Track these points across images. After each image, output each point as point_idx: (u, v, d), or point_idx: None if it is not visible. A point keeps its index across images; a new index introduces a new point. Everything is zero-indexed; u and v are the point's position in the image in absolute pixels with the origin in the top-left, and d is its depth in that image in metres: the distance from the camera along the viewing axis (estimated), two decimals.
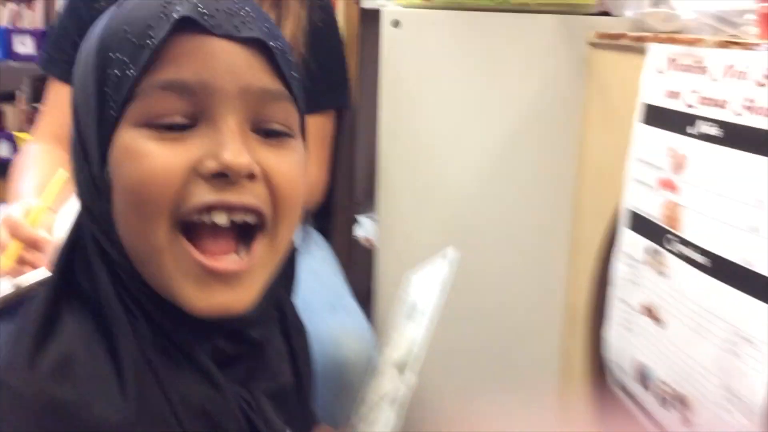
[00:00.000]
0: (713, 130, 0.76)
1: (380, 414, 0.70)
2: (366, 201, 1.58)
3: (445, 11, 1.08)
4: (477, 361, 1.21)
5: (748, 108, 0.71)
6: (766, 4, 0.69)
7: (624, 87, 0.97)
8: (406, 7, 1.15)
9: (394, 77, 1.16)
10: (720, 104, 0.75)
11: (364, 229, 1.60)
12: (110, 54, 0.52)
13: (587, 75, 1.07)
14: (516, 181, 1.17)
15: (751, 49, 0.70)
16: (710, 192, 0.76)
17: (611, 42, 0.99)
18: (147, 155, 0.51)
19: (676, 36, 0.85)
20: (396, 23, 1.14)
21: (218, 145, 0.51)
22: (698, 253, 0.78)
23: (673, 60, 0.84)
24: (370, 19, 1.28)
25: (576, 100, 1.10)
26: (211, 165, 0.51)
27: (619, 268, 0.95)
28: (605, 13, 1.11)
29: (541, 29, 1.10)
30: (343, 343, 0.95)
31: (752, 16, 0.75)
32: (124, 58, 0.51)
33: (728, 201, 0.73)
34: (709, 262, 0.76)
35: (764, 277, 0.68)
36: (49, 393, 0.48)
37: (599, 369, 1.11)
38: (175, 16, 0.51)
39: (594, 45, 1.05)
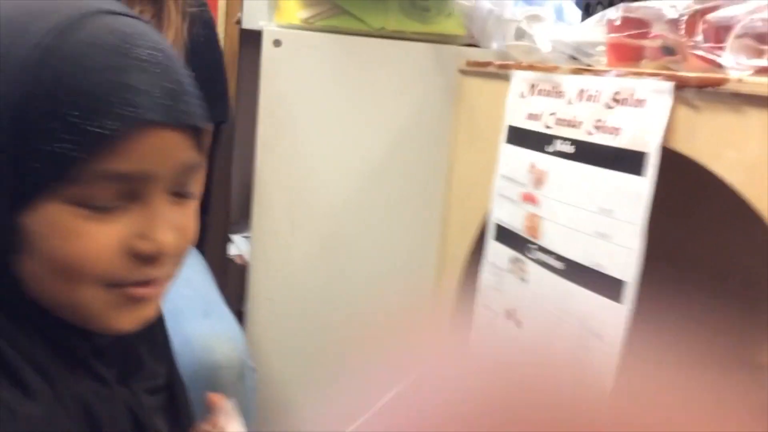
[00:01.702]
0: (568, 148, 0.84)
1: None
2: (241, 220, 1.58)
3: (325, 34, 1.13)
4: (341, 366, 1.24)
5: (598, 127, 0.80)
6: (613, 35, 0.78)
7: (490, 110, 1.05)
8: (286, 27, 1.19)
9: (273, 96, 1.19)
10: (574, 124, 0.83)
11: (238, 247, 1.60)
12: (36, 126, 0.47)
13: (457, 99, 1.15)
14: (388, 199, 1.22)
15: (601, 75, 0.80)
16: (564, 203, 0.85)
17: (479, 69, 1.08)
18: (79, 236, 0.49)
19: (537, 64, 0.94)
20: (277, 43, 1.17)
21: (150, 226, 0.52)
22: (554, 258, 0.86)
23: (534, 86, 0.92)
24: (251, 39, 1.31)
25: (445, 122, 1.17)
26: (145, 247, 0.52)
27: (485, 277, 1.02)
28: (474, 45, 1.20)
29: (415, 56, 1.18)
30: (216, 348, 0.97)
31: (602, 48, 0.85)
32: (64, 136, 0.47)
33: (579, 211, 0.82)
34: (564, 266, 0.84)
35: (611, 277, 0.77)
36: None
37: None
38: (144, 117, 0.48)
39: (463, 72, 1.13)
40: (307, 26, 1.11)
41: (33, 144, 0.47)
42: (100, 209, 0.50)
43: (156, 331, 0.67)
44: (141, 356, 0.63)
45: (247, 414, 0.84)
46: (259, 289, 1.22)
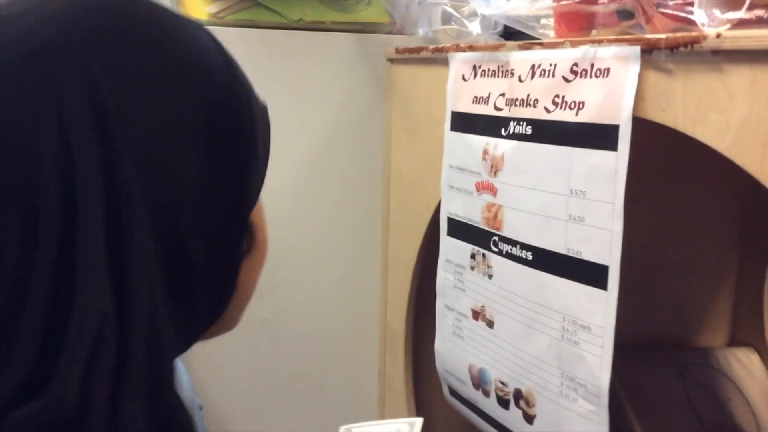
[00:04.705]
0: (525, 129, 0.78)
1: None
2: None
3: (238, 29, 1.03)
4: (290, 391, 1.15)
5: (557, 104, 0.74)
6: (562, 3, 0.72)
7: (426, 99, 0.98)
8: None
9: None
10: (529, 103, 0.77)
11: None
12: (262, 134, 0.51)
13: (388, 90, 1.07)
14: (323, 201, 1.13)
15: (554, 48, 0.74)
16: (528, 189, 0.79)
17: (411, 56, 1.00)
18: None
19: (477, 44, 0.88)
20: None
21: None
22: (522, 249, 0.80)
23: (477, 67, 0.86)
24: None
25: (378, 115, 1.10)
26: None
27: (443, 277, 0.95)
28: (399, 33, 1.13)
29: (338, 48, 1.09)
30: None
31: (546, 20, 0.79)
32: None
33: (546, 195, 0.76)
34: (534, 256, 0.78)
35: (591, 263, 0.71)
36: None
37: (420, 393, 1.10)
38: None
39: (392, 61, 1.05)
40: (217, 21, 1.01)
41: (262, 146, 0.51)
42: None
43: None
44: None
45: None
46: None
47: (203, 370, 1.07)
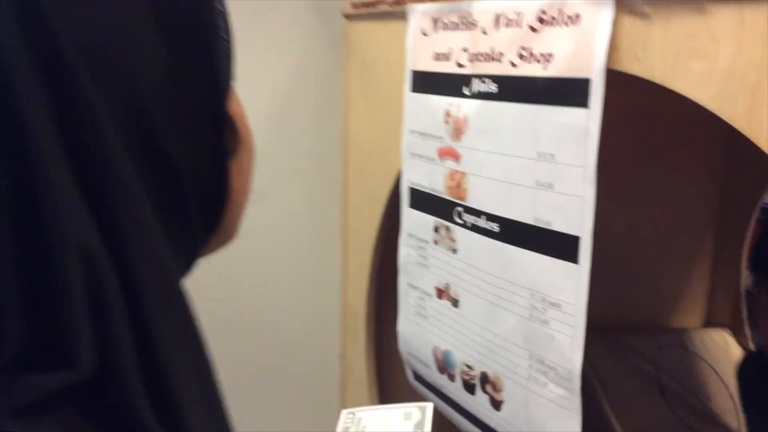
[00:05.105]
0: (490, 87, 0.71)
1: None
2: None
3: None
4: (243, 379, 1.08)
5: (524, 57, 0.66)
6: None
7: (386, 57, 0.90)
8: None
9: None
10: (494, 58, 0.70)
11: None
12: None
13: (345, 49, 0.99)
14: (277, 174, 1.05)
15: None
16: (492, 153, 0.71)
17: (368, 11, 0.92)
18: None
19: None
20: None
21: None
22: (488, 220, 0.73)
23: (437, 20, 0.78)
24: None
25: (335, 78, 1.01)
26: None
27: (405, 252, 0.88)
28: None
29: (289, 6, 1.01)
30: None
31: None
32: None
33: (512, 159, 0.69)
34: (500, 228, 0.71)
35: (561, 234, 0.64)
36: None
37: (384, 378, 1.03)
38: None
39: (349, 17, 0.97)
40: None
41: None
42: None
43: None
44: None
45: None
46: None
47: None
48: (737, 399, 1.04)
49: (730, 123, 0.51)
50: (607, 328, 1.01)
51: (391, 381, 1.02)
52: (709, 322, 1.14)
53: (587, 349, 0.63)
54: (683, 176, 1.06)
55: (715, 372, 1.08)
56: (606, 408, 0.96)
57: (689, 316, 1.14)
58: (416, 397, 0.92)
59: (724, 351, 1.11)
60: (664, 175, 1.04)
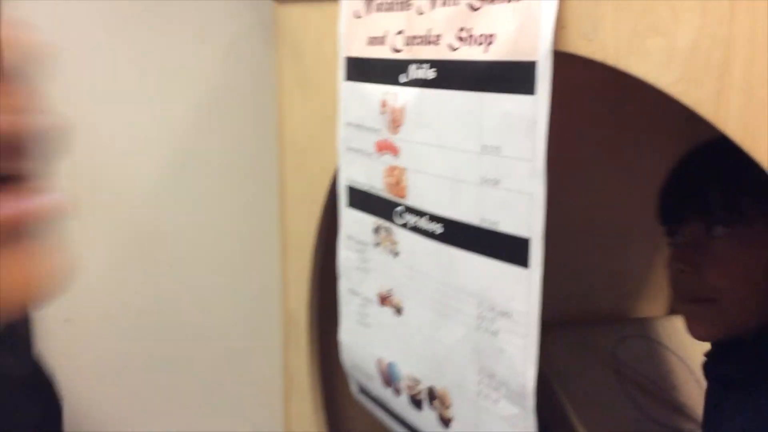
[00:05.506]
0: (427, 73, 0.64)
1: None
2: None
3: None
4: (181, 394, 1.00)
5: (463, 39, 0.59)
6: None
7: (320, 43, 0.83)
8: None
9: None
10: (431, 41, 0.63)
11: None
12: None
13: (277, 36, 0.91)
14: (207, 175, 0.97)
15: None
16: (432, 146, 0.64)
17: None
18: None
19: None
20: None
21: None
22: (429, 220, 0.66)
23: (372, 0, 0.71)
24: None
25: (266, 67, 0.93)
26: None
27: (345, 256, 0.80)
28: None
29: None
30: None
31: None
32: None
33: (453, 153, 0.62)
34: (443, 229, 0.64)
35: (509, 236, 0.58)
36: None
37: (329, 389, 0.97)
38: None
39: (279, 0, 0.89)
40: None
41: None
42: None
43: None
44: None
45: None
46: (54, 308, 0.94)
47: (59, 363, 0.91)
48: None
49: (695, 109, 0.45)
50: (566, 323, 0.96)
51: (337, 393, 0.95)
52: (674, 310, 1.10)
53: (545, 349, 0.57)
54: (643, 162, 1.01)
55: (681, 360, 1.04)
56: (566, 406, 0.91)
57: (653, 304, 1.10)
58: (364, 411, 0.86)
59: (689, 337, 1.08)
60: (623, 161, 0.99)
